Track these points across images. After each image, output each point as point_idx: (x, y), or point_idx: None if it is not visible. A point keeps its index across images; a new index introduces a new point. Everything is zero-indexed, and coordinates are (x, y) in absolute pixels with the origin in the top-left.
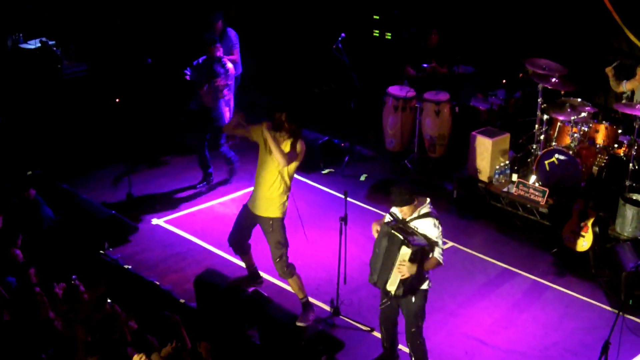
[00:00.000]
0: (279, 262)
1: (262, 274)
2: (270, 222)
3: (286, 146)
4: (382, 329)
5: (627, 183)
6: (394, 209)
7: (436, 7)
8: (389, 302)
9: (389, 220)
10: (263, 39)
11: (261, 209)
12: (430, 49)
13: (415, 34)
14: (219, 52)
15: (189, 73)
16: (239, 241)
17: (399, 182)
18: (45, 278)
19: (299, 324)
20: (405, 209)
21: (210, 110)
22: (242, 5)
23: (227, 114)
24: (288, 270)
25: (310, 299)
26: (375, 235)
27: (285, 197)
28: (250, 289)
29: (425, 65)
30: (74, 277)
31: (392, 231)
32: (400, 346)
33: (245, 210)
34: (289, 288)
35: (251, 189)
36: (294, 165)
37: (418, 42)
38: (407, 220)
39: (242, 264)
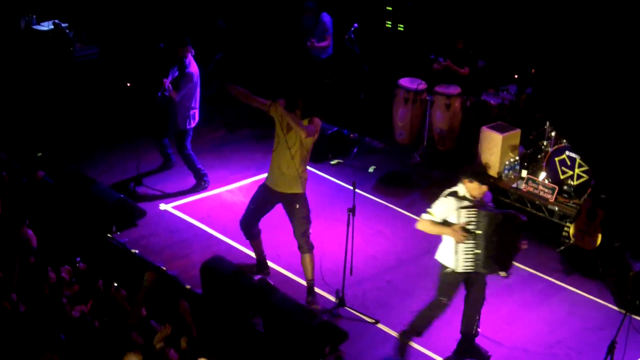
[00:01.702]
0: (303, 237)
1: (268, 262)
2: (296, 197)
3: (305, 122)
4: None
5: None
6: (460, 190)
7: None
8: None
9: (478, 203)
10: (273, 29)
11: (284, 186)
12: (454, 50)
13: (427, 26)
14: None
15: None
16: (251, 223)
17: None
18: (52, 261)
19: (314, 306)
20: (484, 187)
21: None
22: None
23: (188, 118)
24: (309, 246)
25: (316, 289)
26: (460, 234)
27: (305, 172)
28: (257, 277)
29: (441, 59)
30: (77, 259)
31: (503, 213)
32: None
33: (265, 190)
34: (294, 277)
35: (261, 176)
36: (311, 139)
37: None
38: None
39: (249, 253)
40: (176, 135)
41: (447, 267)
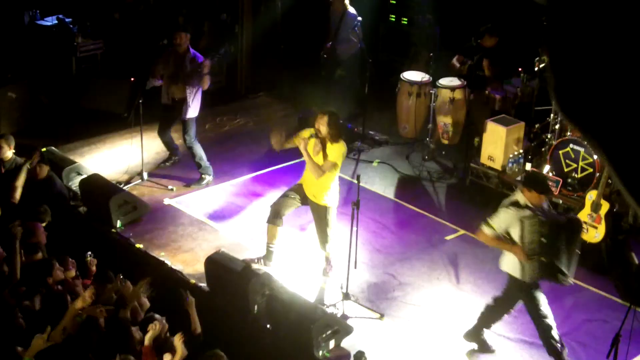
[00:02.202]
0: (324, 245)
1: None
2: (326, 210)
3: (329, 149)
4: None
5: None
6: (521, 199)
7: None
8: None
9: (540, 211)
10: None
11: (317, 197)
12: (483, 48)
13: (431, 20)
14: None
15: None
16: (280, 209)
17: (532, 173)
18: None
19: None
20: (543, 196)
21: (180, 103)
22: None
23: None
24: (329, 254)
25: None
26: (523, 255)
27: (337, 186)
28: (261, 271)
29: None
30: (89, 253)
31: (567, 218)
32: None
33: (300, 188)
34: (296, 268)
35: (266, 170)
36: (336, 169)
37: (433, 29)
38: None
39: (254, 247)
40: (184, 124)
41: (515, 279)
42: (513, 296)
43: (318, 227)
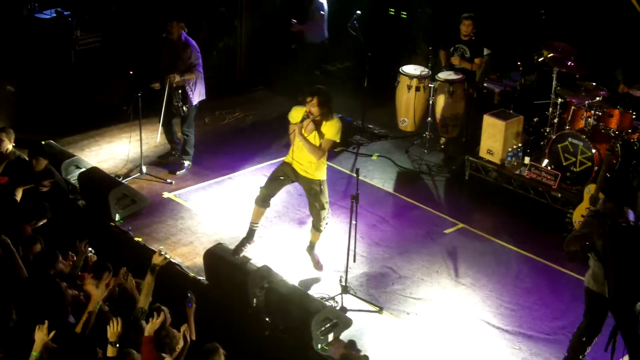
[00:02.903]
0: (323, 220)
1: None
2: (319, 183)
3: (324, 127)
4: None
5: None
6: (600, 209)
7: None
8: None
9: (624, 222)
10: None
11: (307, 171)
12: (463, 40)
13: (431, 14)
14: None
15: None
16: (268, 193)
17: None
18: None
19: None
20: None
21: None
22: None
23: (198, 93)
24: (325, 227)
25: (320, 276)
26: None
27: (325, 161)
28: (260, 264)
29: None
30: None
31: None
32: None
33: (287, 167)
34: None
35: (265, 164)
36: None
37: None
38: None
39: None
40: (186, 113)
41: (596, 294)
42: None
43: (314, 200)
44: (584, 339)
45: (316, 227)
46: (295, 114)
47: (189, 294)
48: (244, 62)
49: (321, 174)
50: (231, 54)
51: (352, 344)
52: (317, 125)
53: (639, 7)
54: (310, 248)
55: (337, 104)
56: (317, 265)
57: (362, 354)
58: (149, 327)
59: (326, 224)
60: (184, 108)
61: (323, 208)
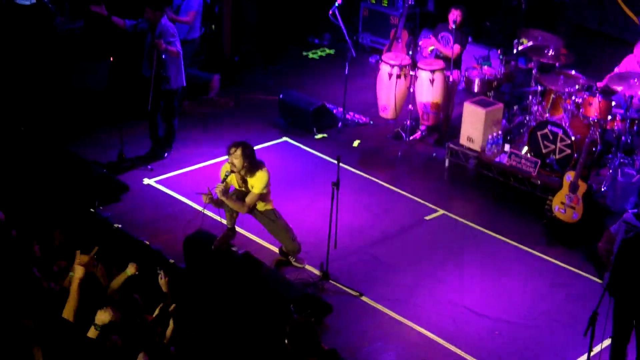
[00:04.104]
0: (294, 241)
1: (253, 237)
2: (271, 212)
3: (251, 181)
4: None
5: (619, 156)
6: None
7: None
8: None
9: None
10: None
11: (259, 206)
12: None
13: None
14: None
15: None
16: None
17: None
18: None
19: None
20: None
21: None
22: None
23: (176, 76)
24: (299, 247)
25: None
26: None
27: (269, 189)
28: (241, 251)
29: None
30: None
31: None
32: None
33: None
34: (276, 249)
35: None
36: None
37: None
38: None
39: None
40: (166, 96)
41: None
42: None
43: (276, 229)
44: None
45: (290, 251)
46: (224, 169)
47: (157, 268)
48: (226, 48)
49: (270, 205)
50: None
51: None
52: (245, 178)
53: (627, 8)
54: (286, 256)
55: (318, 90)
56: (299, 261)
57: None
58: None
59: (298, 244)
60: (169, 81)
61: (287, 230)
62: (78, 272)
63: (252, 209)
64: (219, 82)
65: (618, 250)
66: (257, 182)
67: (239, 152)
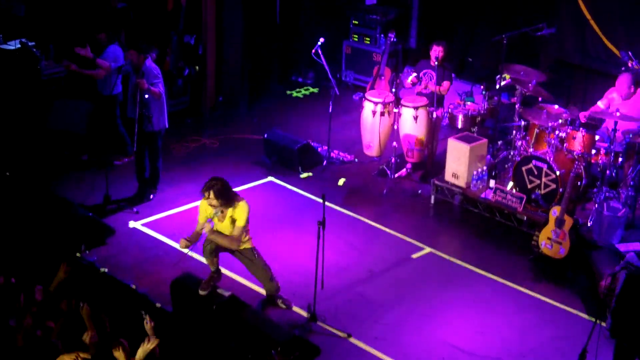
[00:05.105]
0: (272, 281)
1: (239, 278)
2: (250, 250)
3: (234, 214)
4: None
5: (604, 190)
6: None
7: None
8: None
9: None
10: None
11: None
12: (431, 65)
13: (394, 39)
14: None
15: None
16: (217, 247)
17: None
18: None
19: (286, 302)
20: None
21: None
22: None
23: (159, 117)
24: (278, 286)
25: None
26: None
27: (248, 233)
28: (227, 294)
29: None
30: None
31: None
32: None
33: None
34: (262, 291)
35: None
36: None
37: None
38: None
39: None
40: (149, 137)
41: None
42: None
43: (256, 269)
44: None
45: (270, 290)
46: (204, 206)
47: (142, 312)
48: (209, 89)
49: (248, 243)
50: (197, 80)
51: None
52: (227, 212)
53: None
54: (273, 299)
55: (303, 129)
56: (286, 303)
57: None
58: (140, 352)
59: (276, 283)
60: (152, 122)
61: (265, 270)
62: None
63: (238, 249)
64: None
65: (622, 287)
66: (240, 214)
67: (212, 194)
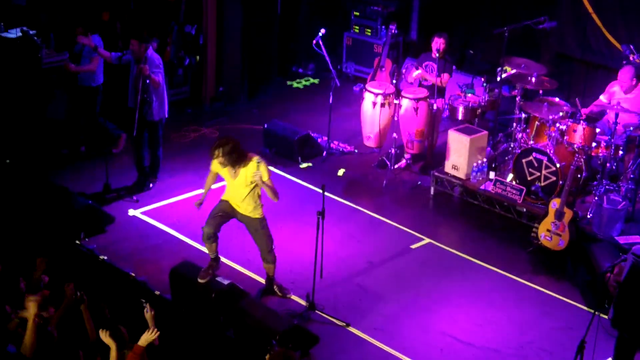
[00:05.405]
0: (270, 253)
1: (238, 267)
2: (259, 221)
3: (246, 170)
4: None
5: (604, 183)
6: None
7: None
8: None
9: None
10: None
11: (247, 211)
12: (432, 58)
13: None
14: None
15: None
16: (213, 232)
17: None
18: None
19: (284, 291)
20: None
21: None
22: None
23: (159, 107)
24: (273, 258)
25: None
26: None
27: (260, 201)
28: (226, 282)
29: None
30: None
31: None
32: None
33: (226, 205)
34: (262, 280)
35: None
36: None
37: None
38: None
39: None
40: (149, 127)
41: None
42: None
43: (258, 238)
44: None
45: (266, 260)
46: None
47: (142, 301)
48: (209, 78)
49: (259, 212)
50: (197, 70)
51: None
52: (239, 171)
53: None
54: (270, 282)
55: (303, 120)
56: (283, 292)
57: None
58: (143, 339)
59: (274, 255)
60: (152, 111)
61: (268, 242)
62: (31, 308)
63: (240, 213)
64: (125, 141)
65: (625, 277)
66: (263, 168)
67: (220, 153)
